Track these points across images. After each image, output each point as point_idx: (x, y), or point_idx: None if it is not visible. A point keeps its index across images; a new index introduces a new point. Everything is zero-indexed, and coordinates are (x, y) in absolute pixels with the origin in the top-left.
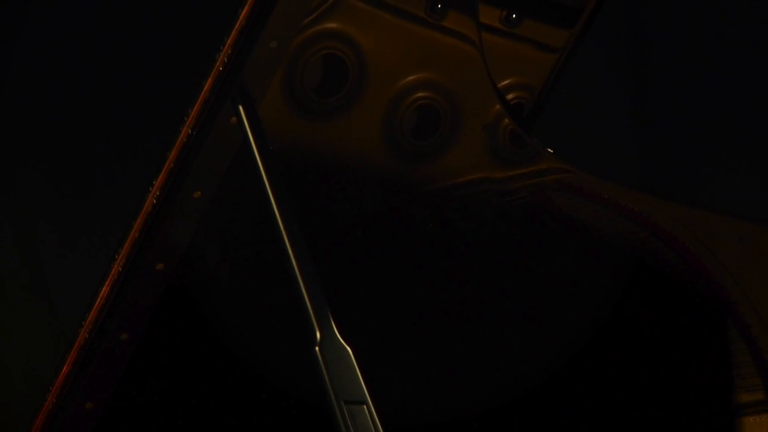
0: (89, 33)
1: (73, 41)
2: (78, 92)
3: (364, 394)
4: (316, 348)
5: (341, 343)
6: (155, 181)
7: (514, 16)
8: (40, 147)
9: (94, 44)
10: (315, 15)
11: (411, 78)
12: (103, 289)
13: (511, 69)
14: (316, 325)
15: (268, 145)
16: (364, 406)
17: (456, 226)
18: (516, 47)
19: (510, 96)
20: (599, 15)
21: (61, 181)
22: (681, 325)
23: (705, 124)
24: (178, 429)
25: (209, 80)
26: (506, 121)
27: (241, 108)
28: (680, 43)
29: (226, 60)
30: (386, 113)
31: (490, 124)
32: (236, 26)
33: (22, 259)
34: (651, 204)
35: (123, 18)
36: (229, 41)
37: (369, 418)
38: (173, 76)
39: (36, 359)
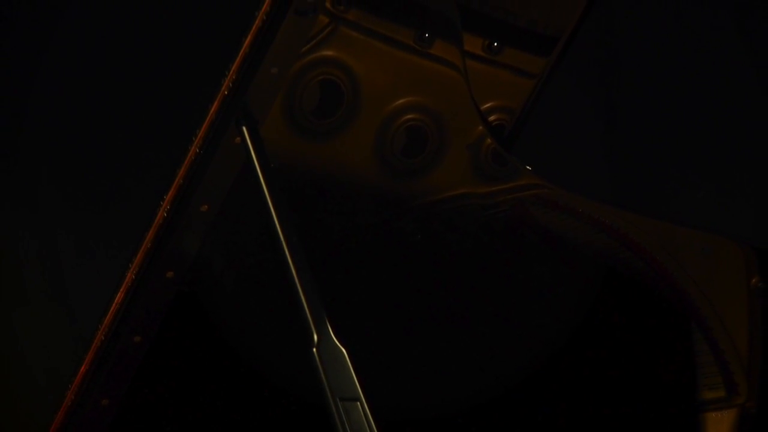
0: (106, 60)
1: (91, 67)
2: (95, 114)
3: (358, 392)
4: (314, 349)
5: (336, 344)
6: (166, 196)
7: (495, 44)
8: (60, 165)
9: (111, 72)
10: (312, 43)
11: (401, 101)
12: (118, 295)
13: (492, 93)
14: (314, 328)
15: (270, 162)
16: (358, 403)
17: (442, 237)
18: (497, 73)
19: (492, 118)
20: (574, 43)
21: (79, 197)
22: (649, 328)
23: (671, 144)
24: (187, 424)
25: (215, 103)
26: (488, 140)
27: (244, 129)
28: (648, 70)
29: (230, 85)
30: (378, 133)
31: (474, 143)
32: (240, 54)
33: (43, 268)
34: (621, 217)
35: (138, 48)
36: (233, 67)
37: (362, 414)
38: (182, 99)
39: (56, 359)
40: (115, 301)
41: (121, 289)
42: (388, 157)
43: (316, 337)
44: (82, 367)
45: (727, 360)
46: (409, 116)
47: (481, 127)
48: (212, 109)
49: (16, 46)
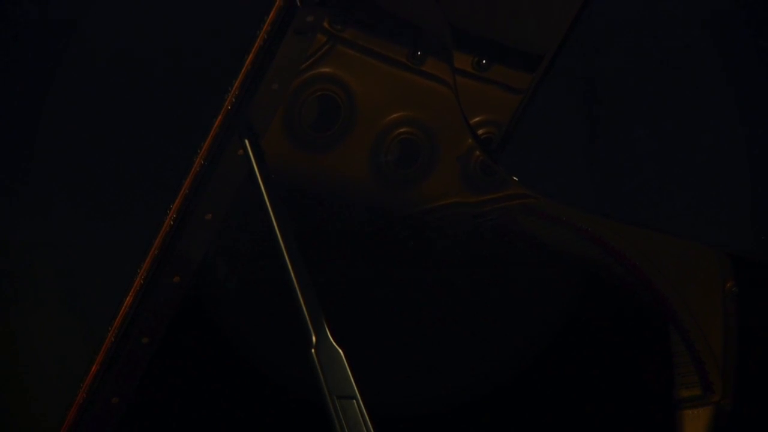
0: (117, 77)
1: (102, 83)
2: (106, 128)
3: (354, 390)
4: (312, 350)
5: (334, 345)
6: (172, 205)
7: (484, 61)
8: (73, 176)
9: (121, 88)
10: (311, 61)
11: (394, 115)
12: (127, 298)
13: (481, 107)
14: (312, 330)
15: (270, 173)
16: (354, 401)
17: (434, 244)
18: (486, 89)
19: (480, 131)
20: (558, 61)
21: (90, 206)
22: (629, 330)
23: (651, 155)
24: (192, 421)
25: (219, 117)
26: (477, 152)
27: (246, 141)
28: (629, 85)
29: (233, 100)
30: (373, 146)
31: (464, 155)
32: (243, 70)
33: (57, 274)
34: (604, 225)
35: (146, 67)
36: (236, 83)
37: (358, 411)
38: (188, 114)
39: (69, 360)
40: (125, 304)
41: (130, 293)
42: (383, 169)
43: (314, 338)
44: (93, 367)
45: (702, 360)
46: (403, 130)
47: (470, 140)
48: (216, 123)
49: (30, 68)
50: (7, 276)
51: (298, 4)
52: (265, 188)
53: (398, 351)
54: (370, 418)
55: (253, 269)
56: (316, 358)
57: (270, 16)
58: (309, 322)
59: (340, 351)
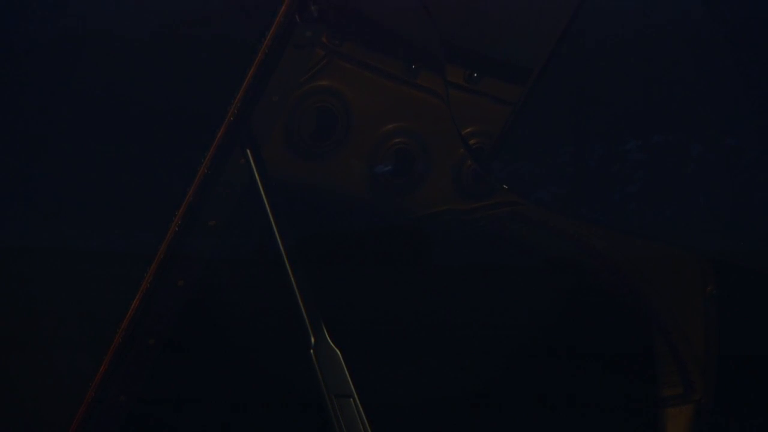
0: (126, 91)
1: (112, 96)
2: (115, 138)
3: (351, 389)
4: (311, 351)
5: (332, 346)
6: (178, 212)
7: (475, 74)
8: (82, 185)
9: (129, 102)
10: (310, 74)
11: (390, 126)
12: (134, 302)
13: (473, 119)
14: (311, 332)
15: (271, 181)
16: (351, 399)
17: (427, 248)
18: (477, 101)
19: (472, 141)
20: (548, 73)
21: (99, 212)
22: (615, 331)
23: (640, 165)
24: (195, 419)
25: (222, 128)
26: (469, 162)
27: (248, 150)
28: (616, 95)
29: (236, 111)
30: (369, 155)
31: (456, 164)
32: (244, 83)
33: (66, 278)
34: (590, 231)
35: (151, 79)
36: (239, 95)
37: (355, 409)
38: (193, 125)
39: (79, 360)
40: (132, 307)
41: (137, 297)
42: (378, 177)
43: (313, 339)
44: (102, 367)
45: (684, 360)
46: (398, 140)
47: (462, 150)
48: (219, 134)
49: (38, 77)
50: (18, 279)
51: (298, 20)
52: (265, 195)
53: (393, 351)
54: (366, 416)
55: (254, 273)
56: (314, 359)
57: (271, 31)
58: (308, 324)
59: (338, 352)
